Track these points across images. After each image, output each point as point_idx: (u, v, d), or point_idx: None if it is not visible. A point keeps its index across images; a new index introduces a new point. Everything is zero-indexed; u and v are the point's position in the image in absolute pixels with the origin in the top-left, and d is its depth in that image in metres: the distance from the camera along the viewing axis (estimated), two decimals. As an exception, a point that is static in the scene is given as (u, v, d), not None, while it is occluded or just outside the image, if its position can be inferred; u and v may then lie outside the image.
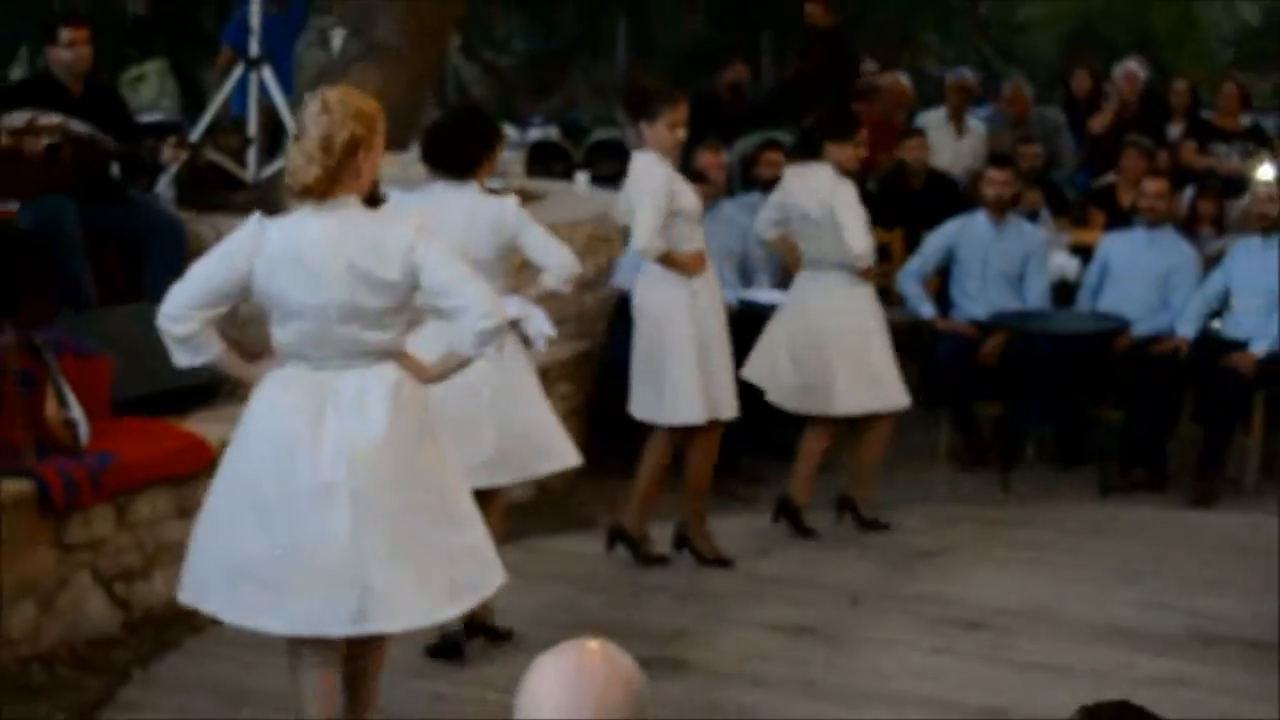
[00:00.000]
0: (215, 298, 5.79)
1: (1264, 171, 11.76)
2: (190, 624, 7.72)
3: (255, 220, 5.71)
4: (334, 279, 5.52)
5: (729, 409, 8.55)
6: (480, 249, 6.91)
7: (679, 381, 8.28)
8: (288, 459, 5.61)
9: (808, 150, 9.22)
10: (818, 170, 9.06)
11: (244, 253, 5.70)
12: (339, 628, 5.58)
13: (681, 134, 8.28)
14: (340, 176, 5.49)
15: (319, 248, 5.54)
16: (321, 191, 5.50)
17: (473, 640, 7.19)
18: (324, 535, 5.51)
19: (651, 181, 8.17)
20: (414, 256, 5.53)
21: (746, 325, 10.17)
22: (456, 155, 7.26)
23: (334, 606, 5.51)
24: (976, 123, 14.52)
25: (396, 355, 5.71)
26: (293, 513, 5.56)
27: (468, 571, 5.85)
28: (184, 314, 5.79)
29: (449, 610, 5.91)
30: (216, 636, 7.63)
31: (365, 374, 5.63)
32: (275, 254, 5.60)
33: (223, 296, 5.79)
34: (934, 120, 14.15)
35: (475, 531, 5.89)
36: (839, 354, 9.04)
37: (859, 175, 12.85)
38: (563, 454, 7.45)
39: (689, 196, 8.32)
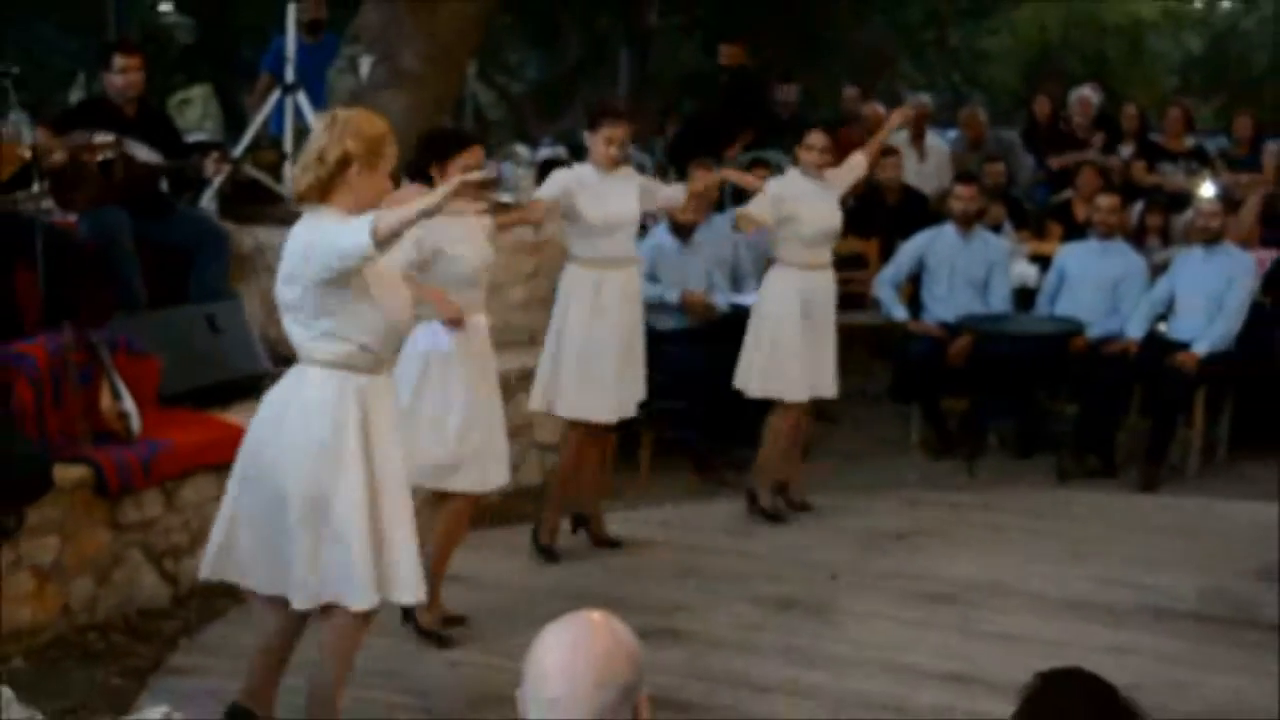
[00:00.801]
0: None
1: (1206, 189, 11.76)
2: (233, 596, 7.73)
3: None
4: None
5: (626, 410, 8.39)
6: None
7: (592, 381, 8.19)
8: None
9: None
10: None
11: None
12: None
13: (614, 150, 8.03)
14: (331, 188, 5.39)
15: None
16: (315, 199, 5.42)
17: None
18: None
19: (556, 176, 8.19)
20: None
21: (737, 328, 10.21)
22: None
23: None
24: (940, 143, 14.56)
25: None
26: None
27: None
28: None
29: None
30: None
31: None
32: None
33: None
34: (902, 141, 14.16)
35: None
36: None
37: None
38: (496, 477, 7.19)
39: (596, 207, 8.04)
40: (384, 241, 5.15)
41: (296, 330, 5.54)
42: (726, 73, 13.22)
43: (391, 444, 5.64)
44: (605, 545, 8.57)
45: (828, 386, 9.29)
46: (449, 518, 7.09)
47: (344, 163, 5.35)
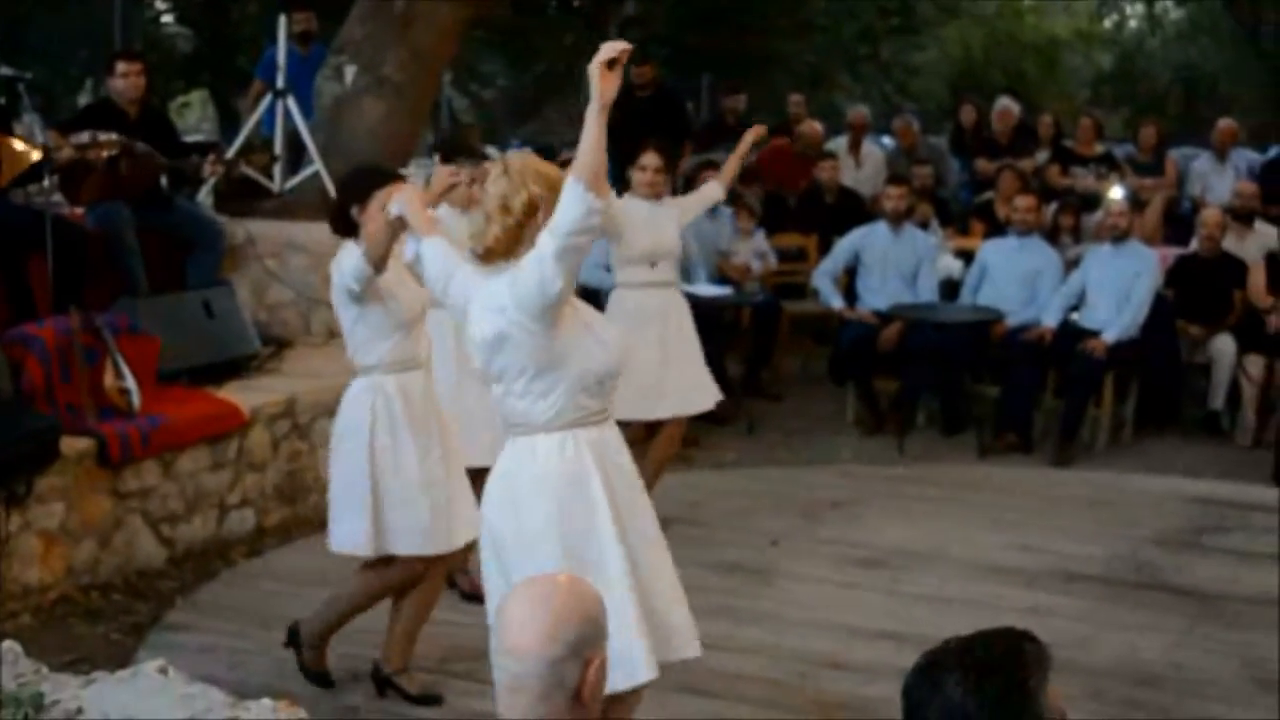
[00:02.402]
0: (456, 305, 4.81)
1: (1115, 191, 11.79)
2: (225, 559, 7.71)
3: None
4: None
5: None
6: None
7: None
8: None
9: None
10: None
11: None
12: None
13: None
14: (519, 239, 4.60)
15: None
16: (503, 253, 4.62)
17: None
18: None
19: None
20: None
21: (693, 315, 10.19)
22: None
23: None
24: (875, 149, 14.59)
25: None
26: None
27: None
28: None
29: None
30: (248, 570, 7.63)
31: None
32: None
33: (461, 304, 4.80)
34: (841, 148, 14.18)
35: None
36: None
37: (784, 193, 12.95)
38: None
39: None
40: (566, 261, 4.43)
41: (514, 402, 4.65)
42: (644, 92, 13.12)
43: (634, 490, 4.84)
44: None
45: (704, 400, 8.37)
46: (428, 584, 6.13)
47: (531, 210, 4.59)
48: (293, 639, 6.18)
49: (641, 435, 8.07)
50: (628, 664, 4.61)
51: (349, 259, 5.67)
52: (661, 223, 8.15)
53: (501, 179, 4.63)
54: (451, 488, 5.97)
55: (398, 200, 5.30)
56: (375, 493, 5.83)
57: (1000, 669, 2.71)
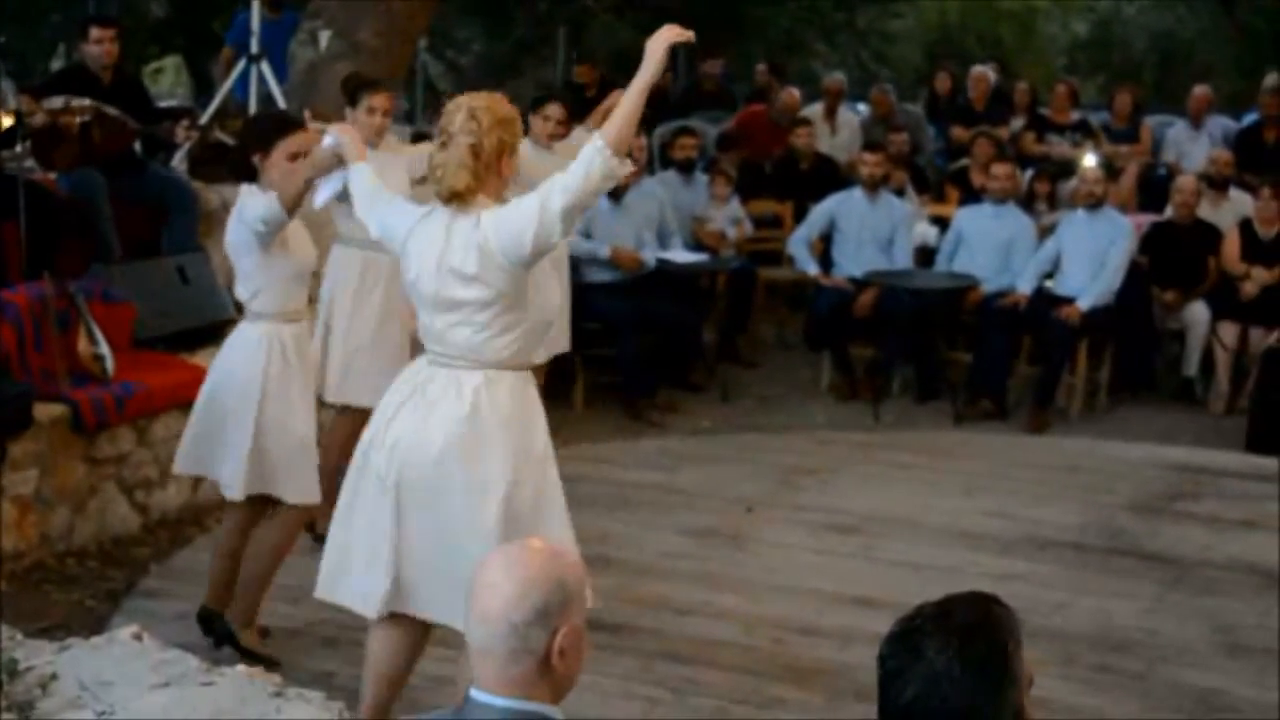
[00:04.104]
0: (384, 229, 4.96)
1: (1089, 158, 11.80)
2: (200, 525, 7.71)
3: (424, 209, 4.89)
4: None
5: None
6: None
7: None
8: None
9: None
10: None
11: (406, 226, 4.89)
12: None
13: (379, 120, 7.17)
14: (485, 180, 4.73)
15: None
16: (470, 195, 4.72)
17: None
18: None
19: None
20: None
21: (664, 281, 10.23)
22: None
23: None
24: (850, 115, 14.58)
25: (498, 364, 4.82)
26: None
27: None
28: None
29: None
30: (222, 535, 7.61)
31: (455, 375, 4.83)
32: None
33: (389, 229, 4.96)
34: (816, 114, 14.16)
35: None
36: None
37: (759, 160, 12.95)
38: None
39: None
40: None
41: (468, 334, 4.76)
42: (590, 92, 13.09)
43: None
44: None
45: (566, 343, 8.77)
46: (285, 529, 6.10)
47: (499, 152, 4.73)
48: (211, 629, 6.08)
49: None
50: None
51: (257, 202, 5.68)
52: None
53: (470, 123, 4.70)
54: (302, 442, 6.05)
55: (333, 131, 5.35)
56: (258, 438, 5.87)
57: (980, 633, 2.73)
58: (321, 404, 6.90)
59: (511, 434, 4.79)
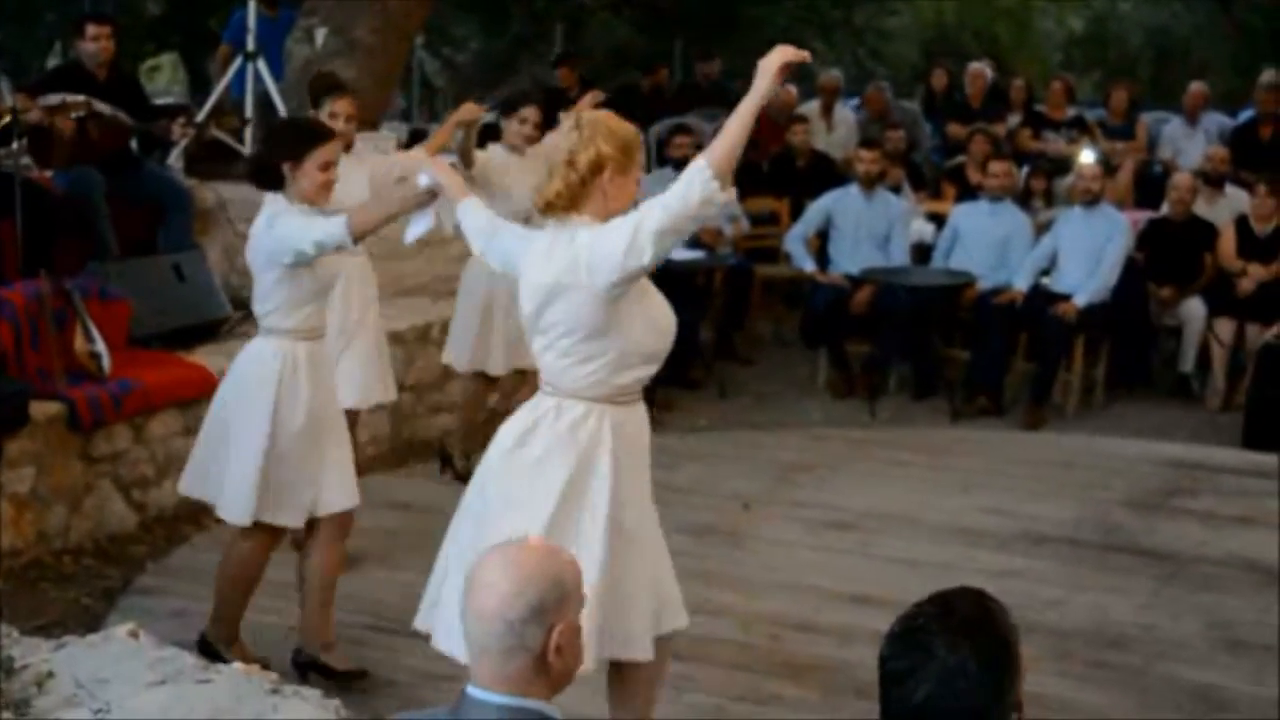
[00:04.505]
0: (503, 259, 4.85)
1: (1086, 155, 11.79)
2: (197, 523, 7.69)
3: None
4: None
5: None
6: None
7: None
8: None
9: None
10: None
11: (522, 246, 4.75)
12: None
13: (341, 125, 6.98)
14: (582, 196, 4.52)
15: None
16: (562, 208, 4.54)
17: None
18: None
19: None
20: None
21: (663, 280, 10.17)
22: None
23: None
24: (847, 113, 14.58)
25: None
26: None
27: None
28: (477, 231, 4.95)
29: None
30: (218, 534, 7.57)
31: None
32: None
33: (507, 258, 4.83)
34: (813, 111, 14.17)
35: None
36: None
37: (756, 156, 12.92)
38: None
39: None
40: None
41: (552, 359, 4.60)
42: (569, 92, 13.08)
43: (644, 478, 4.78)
44: None
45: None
46: (329, 546, 5.93)
47: (597, 168, 4.49)
48: (206, 649, 5.81)
49: (513, 384, 8.22)
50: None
51: (315, 225, 5.43)
52: (532, 179, 7.92)
53: (572, 133, 4.52)
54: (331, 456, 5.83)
55: (426, 172, 5.14)
56: (268, 460, 5.63)
57: (988, 628, 2.74)
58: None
59: (565, 465, 4.54)
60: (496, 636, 2.87)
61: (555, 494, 4.52)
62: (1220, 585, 7.21)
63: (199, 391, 7.80)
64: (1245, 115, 13.62)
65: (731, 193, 4.39)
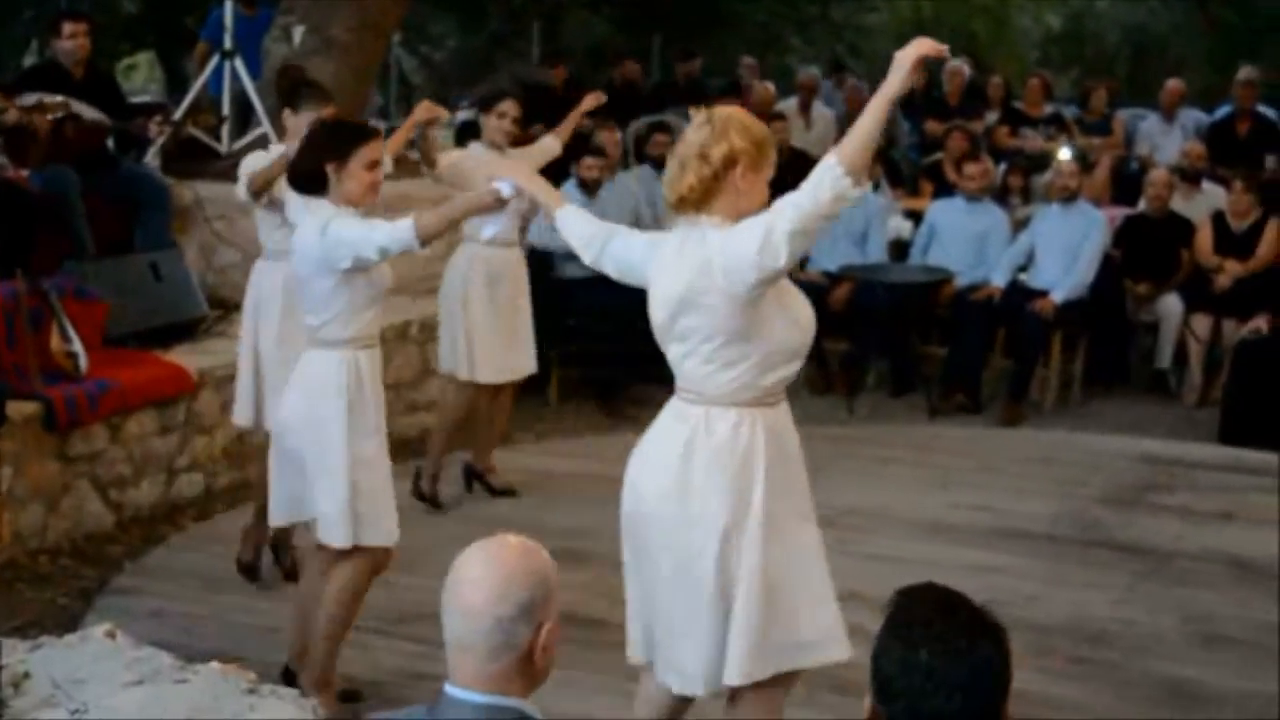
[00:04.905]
0: (620, 266, 4.72)
1: (1063, 152, 11.81)
2: (174, 523, 7.68)
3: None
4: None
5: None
6: None
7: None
8: None
9: None
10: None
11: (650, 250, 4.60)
12: None
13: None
14: (714, 192, 4.34)
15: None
16: (693, 205, 4.38)
17: None
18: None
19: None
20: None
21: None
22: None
23: None
24: (825, 110, 14.60)
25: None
26: None
27: None
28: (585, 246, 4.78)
29: None
30: (195, 534, 7.60)
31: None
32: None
33: (625, 265, 4.70)
34: (791, 109, 14.18)
35: None
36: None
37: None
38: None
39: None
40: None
41: (694, 366, 4.45)
42: (557, 90, 13.09)
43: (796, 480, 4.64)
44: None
45: (525, 365, 8.16)
46: (361, 575, 5.60)
47: (730, 162, 4.32)
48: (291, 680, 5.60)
49: (487, 398, 8.06)
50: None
51: (377, 229, 5.21)
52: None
53: (704, 127, 4.35)
54: None
55: (507, 181, 4.99)
56: (353, 476, 5.39)
57: (995, 630, 2.73)
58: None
59: (727, 475, 4.40)
60: (484, 634, 2.87)
61: (727, 507, 4.39)
62: (1197, 580, 7.22)
63: (176, 391, 7.81)
64: (1222, 111, 13.65)
65: (867, 187, 4.25)
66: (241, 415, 6.83)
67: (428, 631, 5.35)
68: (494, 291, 7.86)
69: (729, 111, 4.43)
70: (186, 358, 8.08)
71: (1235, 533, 7.88)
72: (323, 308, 5.41)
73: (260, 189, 6.45)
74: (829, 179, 4.14)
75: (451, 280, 7.91)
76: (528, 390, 8.97)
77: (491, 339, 7.88)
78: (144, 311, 8.39)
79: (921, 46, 4.18)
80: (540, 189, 4.93)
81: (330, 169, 5.34)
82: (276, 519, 5.75)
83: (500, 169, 5.48)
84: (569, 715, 5.40)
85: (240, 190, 6.59)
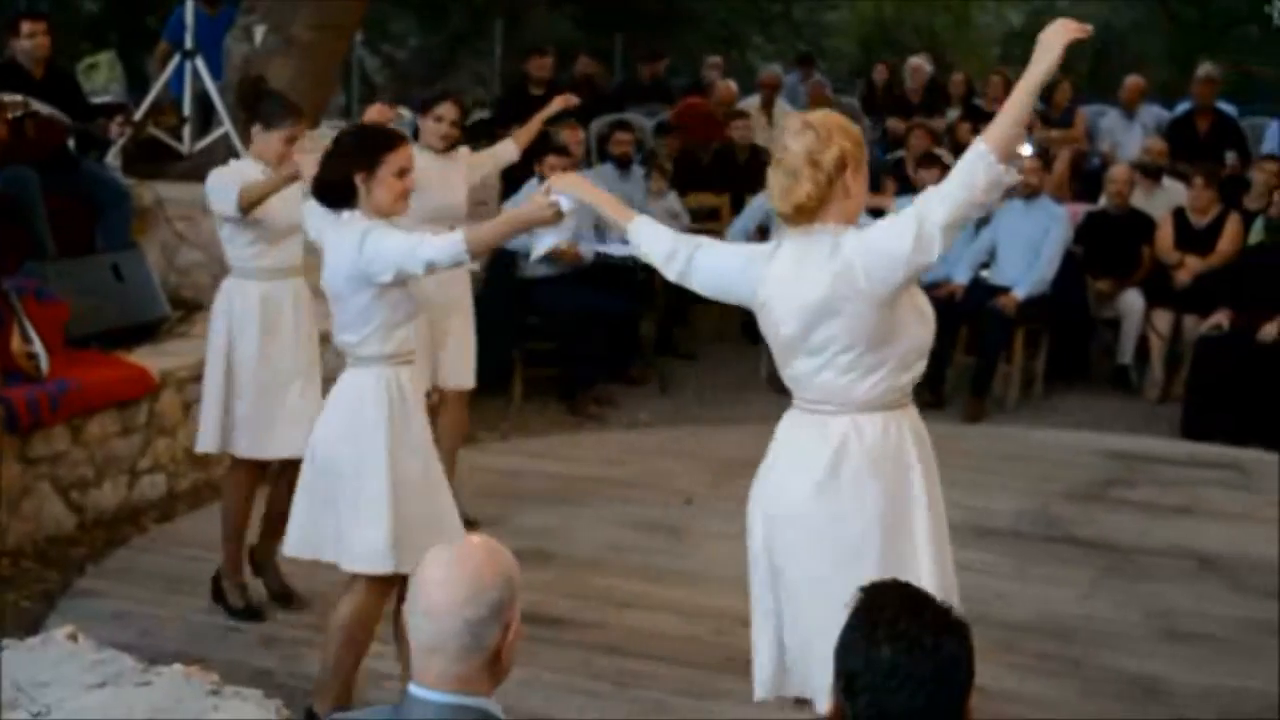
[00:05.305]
0: (711, 282, 4.54)
1: (1024, 148, 11.81)
2: (136, 525, 7.64)
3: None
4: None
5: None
6: None
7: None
8: None
9: None
10: None
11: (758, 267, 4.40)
12: None
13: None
14: (829, 197, 4.21)
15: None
16: (810, 215, 4.23)
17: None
18: None
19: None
20: None
21: (602, 274, 10.22)
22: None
23: None
24: (787, 107, 14.62)
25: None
26: None
27: None
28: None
29: None
30: (157, 535, 7.57)
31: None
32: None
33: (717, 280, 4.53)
34: (753, 106, 14.20)
35: None
36: None
37: (695, 151, 12.93)
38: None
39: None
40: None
41: (831, 378, 4.33)
42: (539, 90, 13.10)
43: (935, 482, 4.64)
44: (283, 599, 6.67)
45: (461, 376, 7.56)
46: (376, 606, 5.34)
47: (841, 165, 4.19)
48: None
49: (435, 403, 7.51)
50: None
51: (418, 240, 5.02)
52: (452, 179, 7.46)
53: (806, 133, 4.20)
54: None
55: (568, 194, 4.82)
56: (397, 502, 5.15)
57: (956, 621, 2.75)
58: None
59: (882, 475, 4.36)
60: (453, 636, 2.87)
61: (887, 496, 4.38)
62: (1160, 575, 7.25)
63: (138, 392, 7.78)
64: (1182, 108, 13.71)
65: (1013, 174, 4.12)
66: (208, 441, 6.48)
67: (387, 631, 5.35)
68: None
69: (826, 114, 4.32)
70: (148, 359, 8.05)
71: (1197, 527, 7.92)
72: (360, 324, 5.17)
73: (253, 206, 6.14)
74: (982, 166, 4.05)
75: None
76: (492, 390, 8.96)
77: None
78: (105, 312, 8.35)
79: (1067, 27, 4.10)
80: (603, 201, 4.77)
81: (359, 179, 5.11)
82: (295, 551, 5.44)
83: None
84: (531, 714, 5.40)
85: (225, 207, 6.21)
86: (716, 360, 11.44)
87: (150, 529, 7.63)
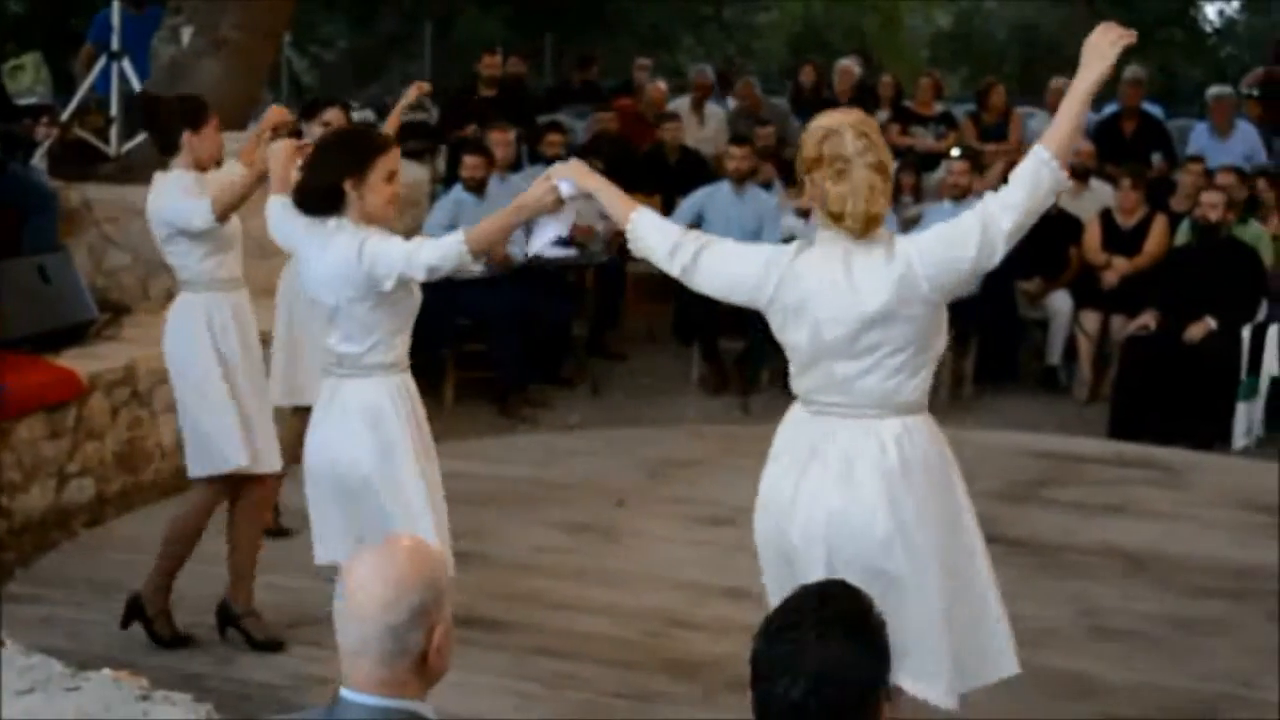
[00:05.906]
0: (721, 282, 4.47)
1: (955, 151, 11.92)
2: (65, 529, 7.59)
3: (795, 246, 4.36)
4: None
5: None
6: None
7: None
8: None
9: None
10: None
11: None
12: None
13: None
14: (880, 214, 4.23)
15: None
16: (878, 222, 4.26)
17: None
18: None
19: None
20: None
21: (533, 276, 10.21)
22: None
23: None
24: (718, 109, 14.66)
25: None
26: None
27: None
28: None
29: None
30: (87, 540, 7.53)
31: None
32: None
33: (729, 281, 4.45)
34: (684, 108, 14.23)
35: None
36: None
37: (624, 152, 12.94)
38: None
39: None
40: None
41: (878, 380, 4.32)
42: (490, 90, 13.10)
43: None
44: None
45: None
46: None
47: (888, 171, 4.26)
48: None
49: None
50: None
51: (417, 244, 4.94)
52: None
53: (859, 141, 4.19)
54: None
55: (568, 181, 4.71)
56: (435, 500, 5.30)
57: (859, 619, 2.78)
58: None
59: (937, 485, 4.38)
60: (376, 639, 2.86)
61: (945, 515, 4.43)
62: (1088, 573, 7.31)
63: (66, 395, 7.71)
64: (1109, 110, 13.81)
65: (1062, 176, 4.18)
66: (238, 456, 6.13)
67: (322, 635, 5.33)
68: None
69: (860, 118, 4.30)
70: (76, 361, 7.98)
71: (1125, 525, 7.98)
72: (364, 333, 5.08)
73: (231, 210, 5.94)
74: (1046, 172, 4.11)
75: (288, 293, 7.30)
76: (423, 392, 8.89)
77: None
78: (32, 315, 8.27)
79: (1118, 34, 4.14)
80: (603, 189, 4.65)
81: (348, 185, 4.98)
82: (328, 557, 5.30)
83: (565, 174, 5.18)
84: (464, 716, 5.39)
85: (199, 221, 5.92)
86: (648, 362, 11.45)
87: (79, 533, 7.58)
